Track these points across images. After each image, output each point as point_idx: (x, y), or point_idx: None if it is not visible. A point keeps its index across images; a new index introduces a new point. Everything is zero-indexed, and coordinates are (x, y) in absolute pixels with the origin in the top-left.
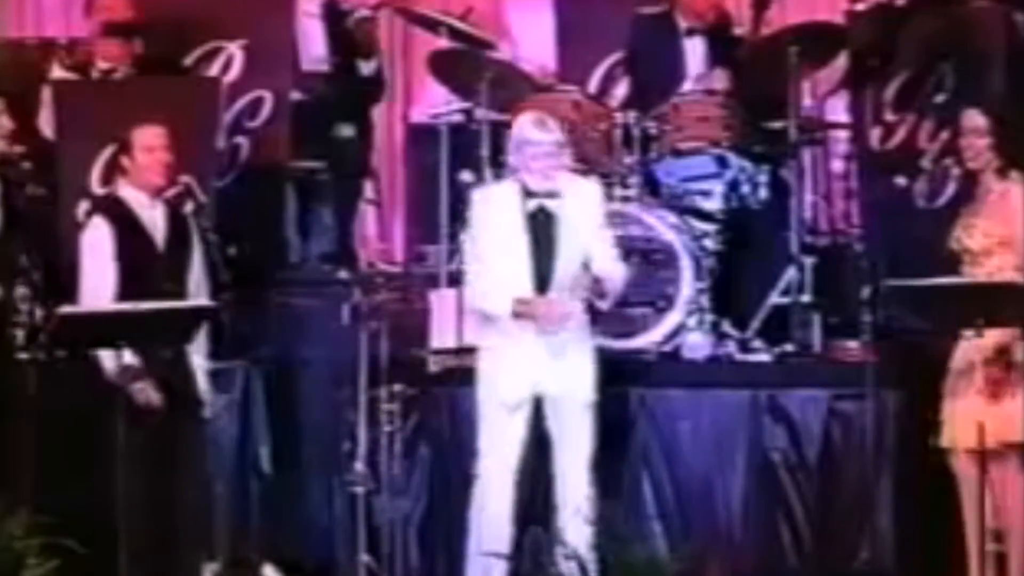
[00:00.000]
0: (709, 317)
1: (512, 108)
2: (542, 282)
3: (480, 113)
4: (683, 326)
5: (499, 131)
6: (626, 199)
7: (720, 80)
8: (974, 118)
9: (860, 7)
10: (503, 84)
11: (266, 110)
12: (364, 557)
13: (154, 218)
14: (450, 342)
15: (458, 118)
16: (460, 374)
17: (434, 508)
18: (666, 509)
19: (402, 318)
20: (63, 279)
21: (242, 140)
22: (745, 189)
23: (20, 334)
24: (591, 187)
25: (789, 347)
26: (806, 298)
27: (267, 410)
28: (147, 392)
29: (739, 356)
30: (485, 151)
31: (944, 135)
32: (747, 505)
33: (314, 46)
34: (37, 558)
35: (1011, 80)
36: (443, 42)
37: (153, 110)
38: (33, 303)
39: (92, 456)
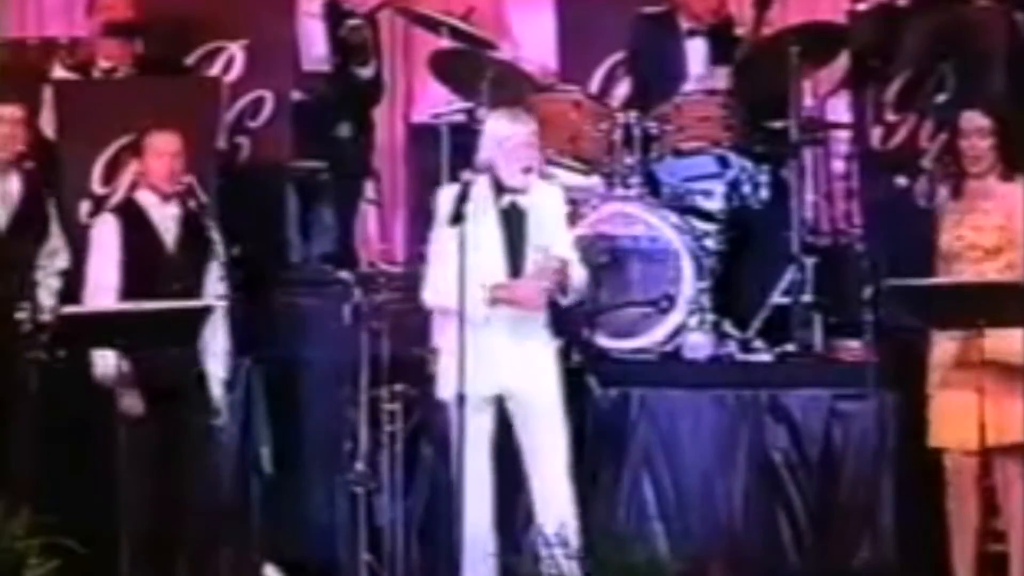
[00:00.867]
0: (710, 317)
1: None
2: (515, 275)
3: (481, 113)
4: (684, 326)
5: None
6: (627, 199)
7: (721, 80)
8: (976, 119)
9: (861, 7)
10: (504, 84)
11: (267, 110)
12: (365, 556)
13: (165, 218)
14: None
15: (459, 118)
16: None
17: (435, 508)
18: (667, 509)
19: (403, 318)
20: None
21: (243, 140)
22: (746, 189)
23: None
24: (554, 190)
25: (790, 347)
26: (807, 298)
27: (268, 410)
28: (129, 400)
29: (740, 356)
30: None
31: (944, 135)
32: (748, 505)
33: (315, 46)
34: (38, 558)
35: (1012, 80)
36: (444, 42)
37: (154, 110)
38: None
39: (92, 456)
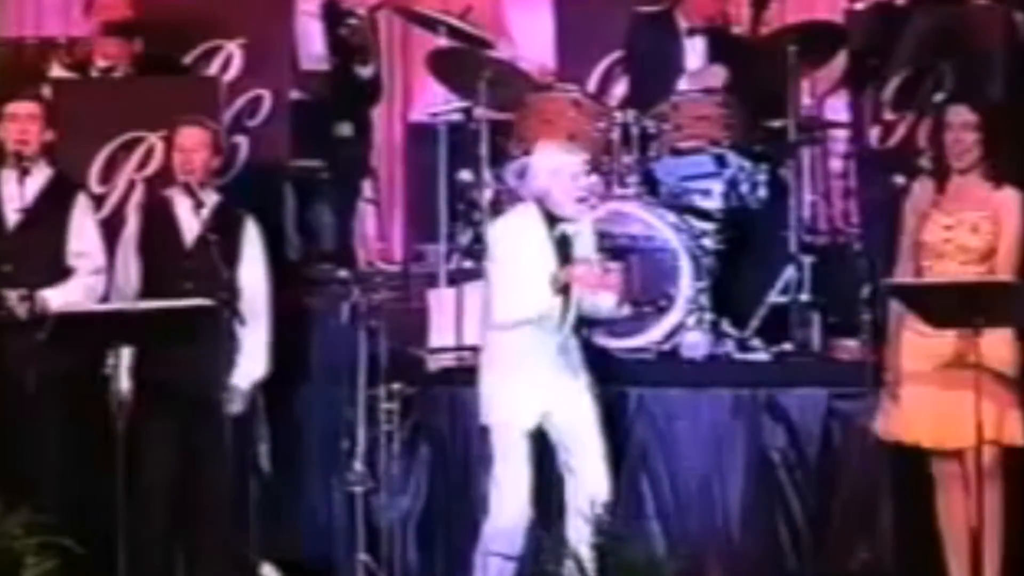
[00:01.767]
0: (708, 316)
1: (511, 107)
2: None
3: (479, 112)
4: (682, 325)
5: (498, 130)
6: (625, 198)
7: (718, 78)
8: (963, 113)
9: (859, 6)
10: (502, 83)
11: (265, 109)
12: (363, 556)
13: (189, 217)
14: (449, 341)
15: (457, 117)
16: (459, 373)
17: (433, 507)
18: (665, 508)
19: (401, 317)
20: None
21: (241, 139)
22: (744, 188)
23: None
24: (587, 217)
25: (788, 346)
26: (805, 297)
27: (266, 409)
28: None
29: (738, 355)
30: (484, 150)
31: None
32: (746, 504)
33: (313, 45)
34: (36, 557)
35: (1010, 79)
36: (442, 41)
37: (152, 109)
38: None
39: (91, 455)
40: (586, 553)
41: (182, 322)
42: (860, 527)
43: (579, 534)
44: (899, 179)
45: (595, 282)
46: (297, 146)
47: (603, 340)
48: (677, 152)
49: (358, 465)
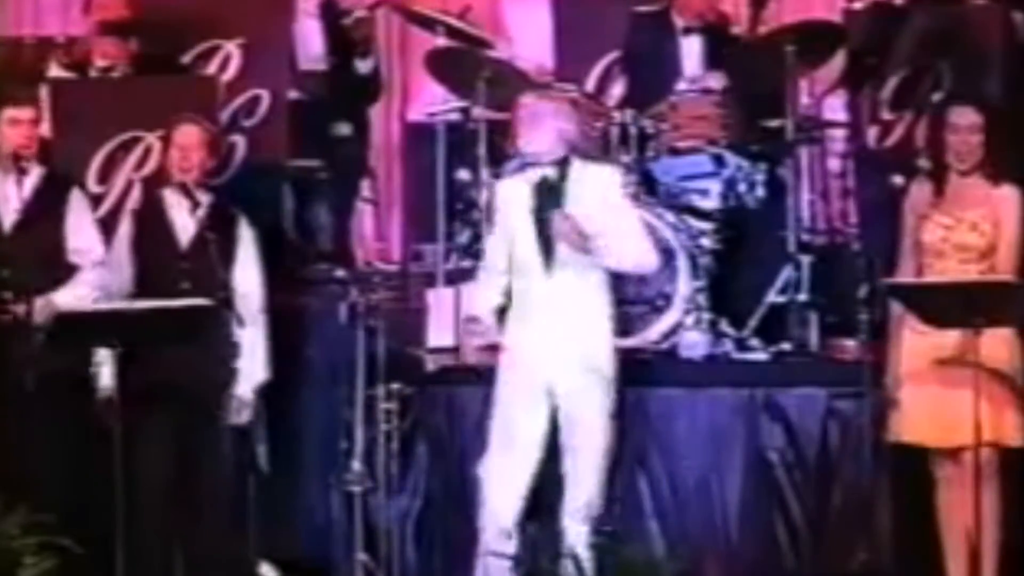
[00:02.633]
0: (706, 316)
1: (510, 107)
2: (548, 256)
3: (477, 112)
4: (680, 325)
5: (496, 130)
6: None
7: (716, 79)
8: (968, 115)
9: (857, 5)
10: (500, 83)
11: (263, 108)
12: (361, 556)
13: (184, 216)
14: (447, 341)
15: (455, 116)
16: (457, 373)
17: (431, 507)
18: (663, 508)
19: (399, 317)
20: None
21: (239, 138)
22: (742, 188)
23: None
24: (603, 170)
25: (786, 346)
26: (803, 297)
27: (264, 408)
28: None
29: (736, 355)
30: (482, 150)
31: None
32: (744, 504)
33: (312, 45)
34: (34, 557)
35: (1008, 79)
36: (440, 41)
37: (150, 109)
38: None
39: (90, 455)
40: (584, 553)
41: (182, 322)
42: (859, 527)
43: (575, 534)
44: (897, 179)
45: (574, 241)
46: (295, 146)
47: None
48: (675, 152)
49: (356, 465)
